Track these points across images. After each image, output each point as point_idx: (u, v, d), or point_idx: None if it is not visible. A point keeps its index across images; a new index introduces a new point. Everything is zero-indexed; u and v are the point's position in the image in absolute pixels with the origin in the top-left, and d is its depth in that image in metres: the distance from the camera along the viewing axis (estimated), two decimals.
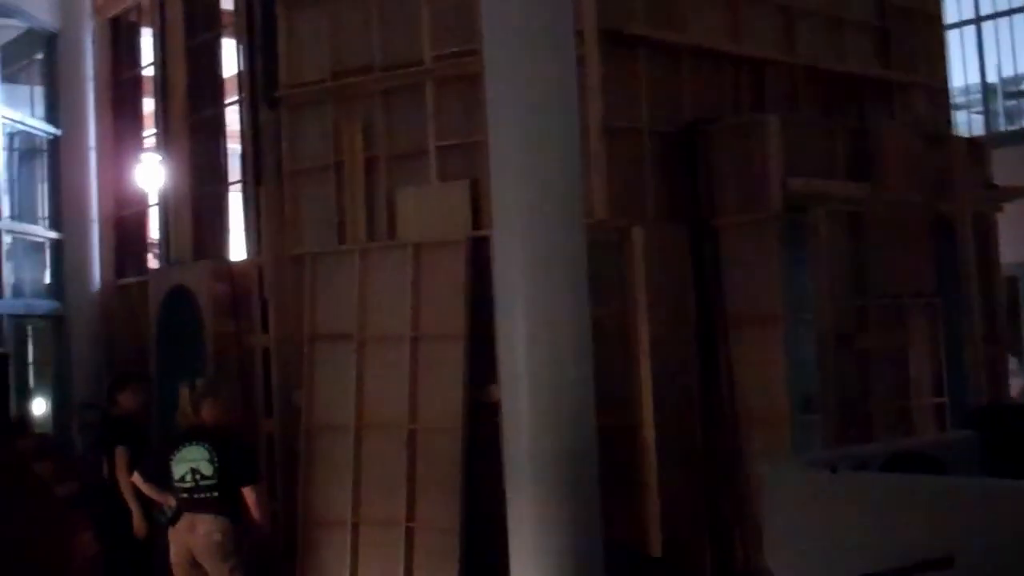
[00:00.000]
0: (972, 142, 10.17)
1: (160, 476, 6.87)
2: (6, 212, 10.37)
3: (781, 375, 7.56)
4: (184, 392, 7.05)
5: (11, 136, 10.82)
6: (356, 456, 8.21)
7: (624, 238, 7.75)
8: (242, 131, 9.48)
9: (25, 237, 10.67)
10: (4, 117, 9.99)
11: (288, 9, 9.08)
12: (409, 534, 7.91)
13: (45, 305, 10.61)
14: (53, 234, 10.83)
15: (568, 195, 6.03)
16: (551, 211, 5.97)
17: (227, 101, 10.20)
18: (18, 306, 10.01)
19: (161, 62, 10.56)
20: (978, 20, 14.15)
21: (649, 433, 7.63)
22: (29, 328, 10.71)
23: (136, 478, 7.14)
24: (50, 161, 10.96)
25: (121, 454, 7.80)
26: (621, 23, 7.89)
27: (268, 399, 8.96)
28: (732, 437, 7.87)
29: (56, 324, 10.75)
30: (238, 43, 9.61)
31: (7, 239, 10.26)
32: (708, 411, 7.98)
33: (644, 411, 7.65)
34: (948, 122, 10.67)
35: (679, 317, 7.97)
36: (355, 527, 8.13)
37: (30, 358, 10.85)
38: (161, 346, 9.91)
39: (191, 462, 6.75)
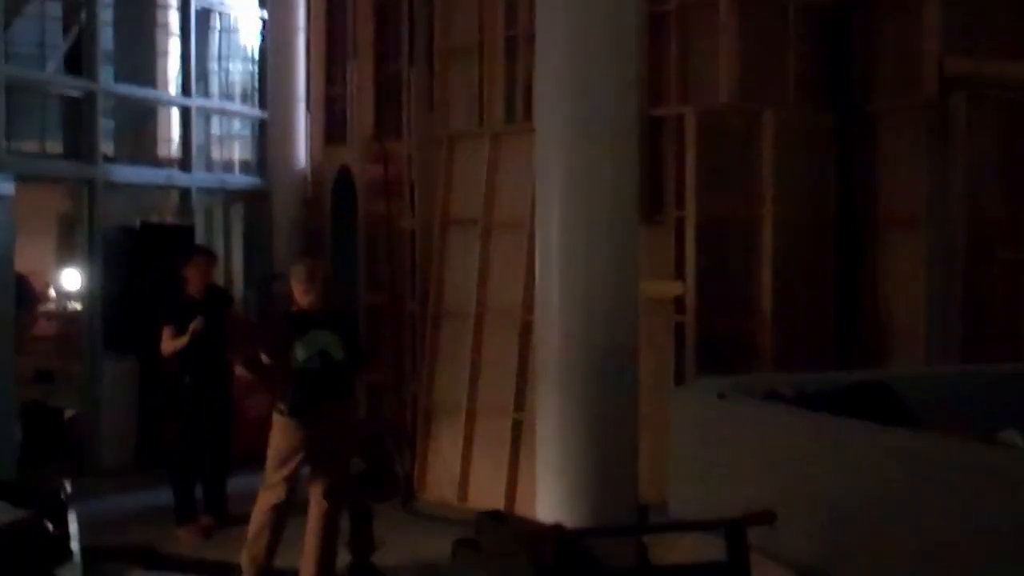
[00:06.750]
0: None
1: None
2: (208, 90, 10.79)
3: (920, 285, 6.60)
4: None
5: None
6: (475, 344, 8.00)
7: (753, 124, 6.96)
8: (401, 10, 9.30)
9: (229, 114, 11.08)
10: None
11: None
12: (516, 426, 7.65)
13: (242, 180, 11.02)
14: (259, 112, 11.17)
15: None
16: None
17: None
18: (211, 180, 10.44)
19: None
20: None
21: (765, 343, 6.92)
22: (233, 203, 11.17)
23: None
24: (261, 42, 11.28)
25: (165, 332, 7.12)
26: None
27: (413, 281, 8.93)
28: (870, 352, 6.98)
29: (258, 199, 11.15)
30: None
31: (214, 118, 10.75)
32: (846, 323, 7.12)
33: (762, 318, 6.95)
34: None
35: (817, 217, 7.11)
36: (470, 414, 7.97)
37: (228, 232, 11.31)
38: (334, 224, 10.08)
39: (321, 344, 6.07)
